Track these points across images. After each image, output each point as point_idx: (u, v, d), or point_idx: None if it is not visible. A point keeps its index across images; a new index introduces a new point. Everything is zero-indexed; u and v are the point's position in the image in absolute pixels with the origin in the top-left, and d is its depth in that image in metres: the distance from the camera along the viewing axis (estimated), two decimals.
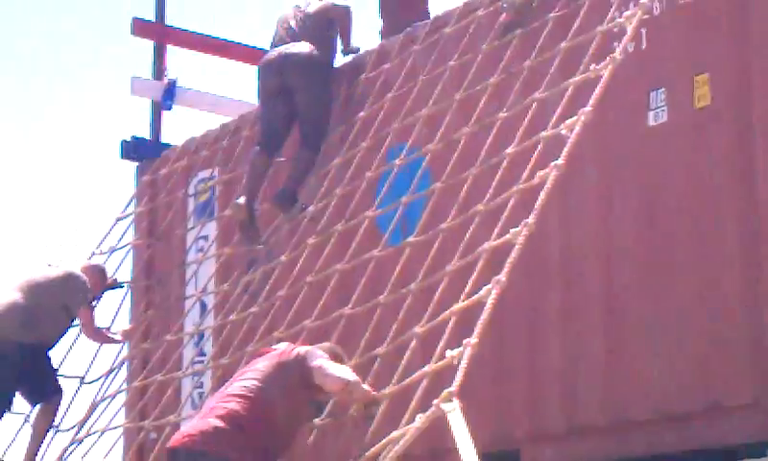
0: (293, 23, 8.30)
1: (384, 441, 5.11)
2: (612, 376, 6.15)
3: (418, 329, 5.74)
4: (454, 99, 7.05)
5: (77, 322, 8.28)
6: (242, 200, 8.02)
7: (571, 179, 6.17)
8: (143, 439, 8.12)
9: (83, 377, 8.67)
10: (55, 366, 8.28)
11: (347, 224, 7.23)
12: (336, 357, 5.52)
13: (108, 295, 8.86)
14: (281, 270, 7.57)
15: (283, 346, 5.63)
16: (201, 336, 8.46)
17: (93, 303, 8.38)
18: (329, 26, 8.32)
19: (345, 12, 8.44)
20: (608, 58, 6.06)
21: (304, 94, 8.07)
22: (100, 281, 8.43)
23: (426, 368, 5.32)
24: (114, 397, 8.51)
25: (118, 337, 8.62)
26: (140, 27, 10.05)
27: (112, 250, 9.30)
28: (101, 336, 8.43)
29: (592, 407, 6.22)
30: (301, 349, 5.51)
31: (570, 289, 6.44)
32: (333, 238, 7.24)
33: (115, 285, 8.88)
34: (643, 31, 6.37)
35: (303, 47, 8.13)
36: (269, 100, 8.23)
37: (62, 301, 7.97)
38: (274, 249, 7.92)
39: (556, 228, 6.50)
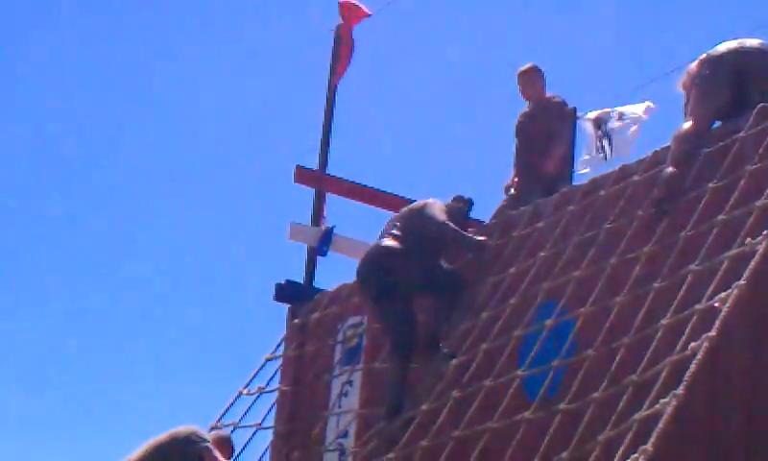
0: (390, 224, 8.38)
1: None
2: None
3: None
4: (608, 263, 7.06)
5: None
6: (385, 424, 8.01)
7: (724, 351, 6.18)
8: None
9: None
10: None
11: (495, 381, 7.26)
12: None
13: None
14: (422, 418, 7.62)
15: None
16: None
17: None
18: (422, 221, 8.24)
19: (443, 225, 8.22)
20: (765, 232, 6.12)
21: (383, 297, 8.11)
22: (225, 453, 8.25)
23: None
24: None
25: None
26: (302, 174, 10.38)
27: (261, 392, 9.54)
28: None
29: None
30: None
31: None
32: (480, 394, 7.25)
33: None
34: None
35: (381, 245, 8.20)
36: (375, 308, 8.35)
37: (174, 452, 7.87)
38: (418, 397, 7.99)
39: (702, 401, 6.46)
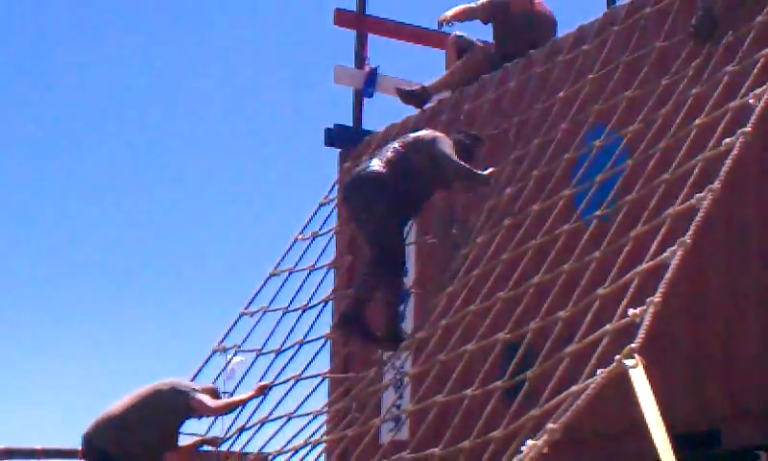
0: (385, 148, 8.25)
1: (563, 394, 5.45)
2: None
3: (601, 291, 6.07)
4: (660, 84, 7.22)
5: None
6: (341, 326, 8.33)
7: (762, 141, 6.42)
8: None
9: None
10: None
11: (543, 203, 7.60)
12: None
13: None
14: (478, 251, 7.98)
15: None
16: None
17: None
18: (418, 153, 8.07)
19: (434, 140, 8.10)
20: None
21: (364, 219, 8.09)
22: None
23: (608, 326, 5.65)
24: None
25: (243, 397, 8.91)
26: (341, 17, 10.65)
27: (315, 236, 9.99)
28: (224, 406, 8.61)
29: None
30: None
31: None
32: (529, 218, 7.58)
33: (212, 443, 9.05)
34: None
35: (366, 167, 8.06)
36: (356, 227, 8.46)
37: (156, 416, 8.30)
38: (473, 232, 8.31)
39: (755, 200, 6.77)
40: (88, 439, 8.37)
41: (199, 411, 8.44)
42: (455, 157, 8.02)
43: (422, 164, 8.06)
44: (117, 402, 8.45)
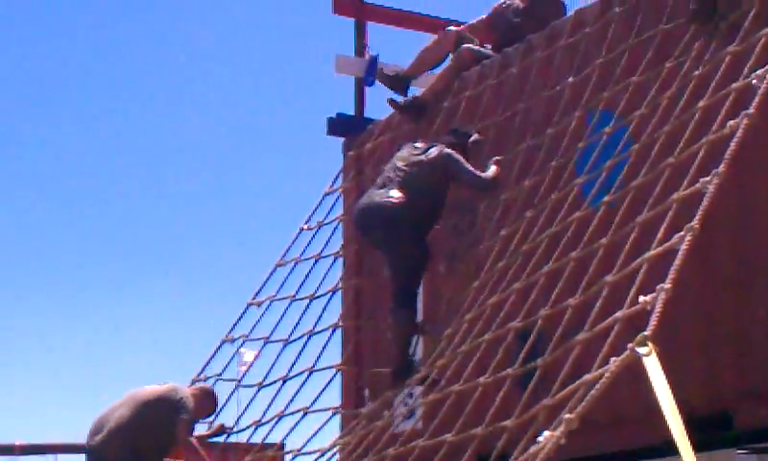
0: (393, 167, 8.29)
1: (576, 383, 5.50)
2: None
3: (609, 278, 6.12)
4: (664, 67, 7.19)
5: None
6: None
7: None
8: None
9: None
10: None
11: (558, 193, 7.62)
12: None
13: None
14: (501, 244, 8.00)
15: None
16: None
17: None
18: (434, 174, 8.20)
19: (448, 159, 8.23)
20: None
21: (387, 250, 8.19)
22: (208, 405, 8.85)
23: (618, 313, 5.69)
24: None
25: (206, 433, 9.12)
26: (340, 5, 10.70)
27: (321, 225, 10.09)
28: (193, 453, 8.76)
29: None
30: None
31: None
32: (546, 209, 7.61)
33: (221, 432, 9.30)
34: None
35: (385, 196, 8.08)
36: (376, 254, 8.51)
37: (157, 426, 8.38)
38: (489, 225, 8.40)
39: (762, 181, 6.78)
40: (95, 452, 8.46)
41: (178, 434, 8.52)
42: (475, 173, 8.18)
43: (440, 183, 8.24)
44: (117, 409, 8.52)
